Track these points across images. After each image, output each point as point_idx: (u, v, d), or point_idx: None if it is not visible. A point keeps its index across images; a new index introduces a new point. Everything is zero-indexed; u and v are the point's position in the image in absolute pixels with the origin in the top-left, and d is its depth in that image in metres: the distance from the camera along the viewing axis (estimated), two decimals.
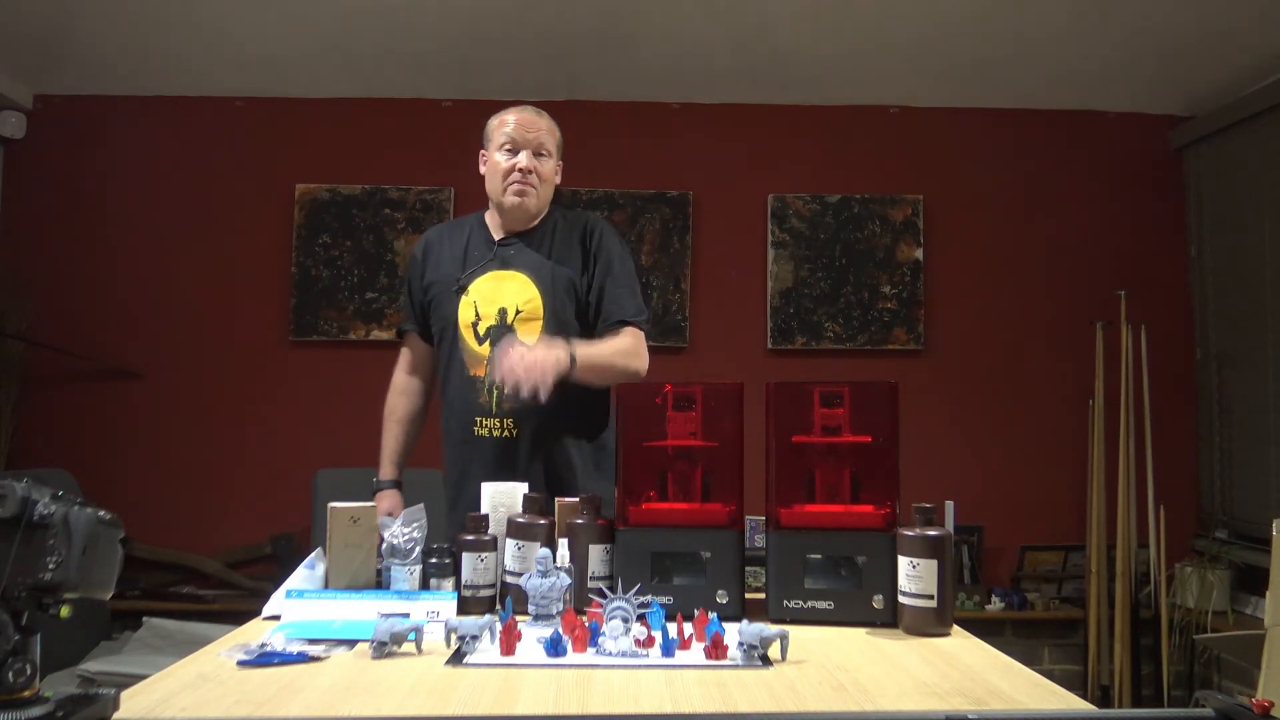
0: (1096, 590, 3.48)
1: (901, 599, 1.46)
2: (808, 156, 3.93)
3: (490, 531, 1.63)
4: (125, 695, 1.04)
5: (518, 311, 1.99)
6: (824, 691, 1.15)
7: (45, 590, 0.91)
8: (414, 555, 1.59)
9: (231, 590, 3.60)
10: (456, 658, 1.28)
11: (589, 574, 1.56)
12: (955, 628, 1.47)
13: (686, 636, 1.35)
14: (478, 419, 1.98)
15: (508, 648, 1.30)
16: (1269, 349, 3.47)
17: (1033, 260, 3.90)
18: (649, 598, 1.42)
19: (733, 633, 1.31)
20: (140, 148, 3.84)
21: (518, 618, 1.38)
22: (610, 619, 1.34)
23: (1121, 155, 3.93)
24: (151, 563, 3.60)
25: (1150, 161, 3.94)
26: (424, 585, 1.59)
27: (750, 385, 1.63)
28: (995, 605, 3.62)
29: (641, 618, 1.36)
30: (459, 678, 1.21)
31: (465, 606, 1.55)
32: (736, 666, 1.26)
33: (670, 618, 1.37)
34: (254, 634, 1.42)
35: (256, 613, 1.58)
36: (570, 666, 1.25)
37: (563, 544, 1.54)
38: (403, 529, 1.60)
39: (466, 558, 1.58)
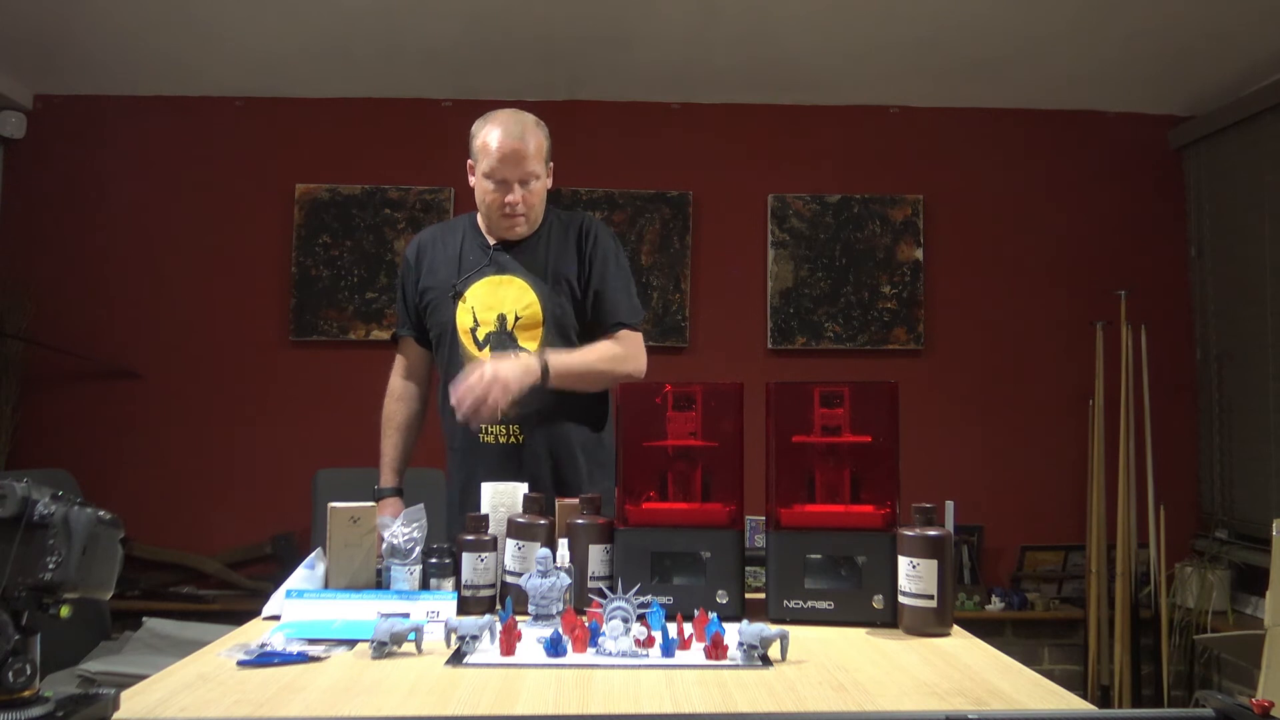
0: (1096, 590, 3.47)
1: (901, 599, 1.46)
2: (808, 156, 3.93)
3: (490, 531, 1.63)
4: (125, 695, 1.04)
5: (517, 318, 1.97)
6: (824, 691, 1.15)
7: (45, 590, 0.91)
8: (414, 555, 1.59)
9: (231, 590, 3.61)
10: (456, 658, 1.28)
11: (589, 574, 1.56)
12: (955, 628, 1.47)
13: (686, 636, 1.35)
14: (483, 425, 1.97)
15: (508, 648, 1.30)
16: (1269, 349, 3.47)
17: (1033, 260, 3.90)
18: (649, 598, 1.42)
19: (733, 633, 1.31)
20: (140, 148, 3.84)
21: (518, 618, 1.38)
22: (610, 619, 1.34)
23: (1121, 155, 3.93)
24: (151, 563, 3.60)
25: (1150, 161, 3.94)
26: (424, 585, 1.59)
27: (750, 385, 1.63)
28: (995, 605, 3.62)
29: (641, 618, 1.36)
30: (459, 678, 1.21)
31: (465, 606, 1.55)
32: (736, 666, 1.26)
33: (670, 618, 1.37)
34: (254, 634, 1.42)
35: (256, 613, 1.58)
36: (570, 666, 1.25)
37: (563, 544, 1.54)
38: (403, 529, 1.60)
39: (466, 558, 1.58)
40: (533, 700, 1.12)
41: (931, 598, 1.43)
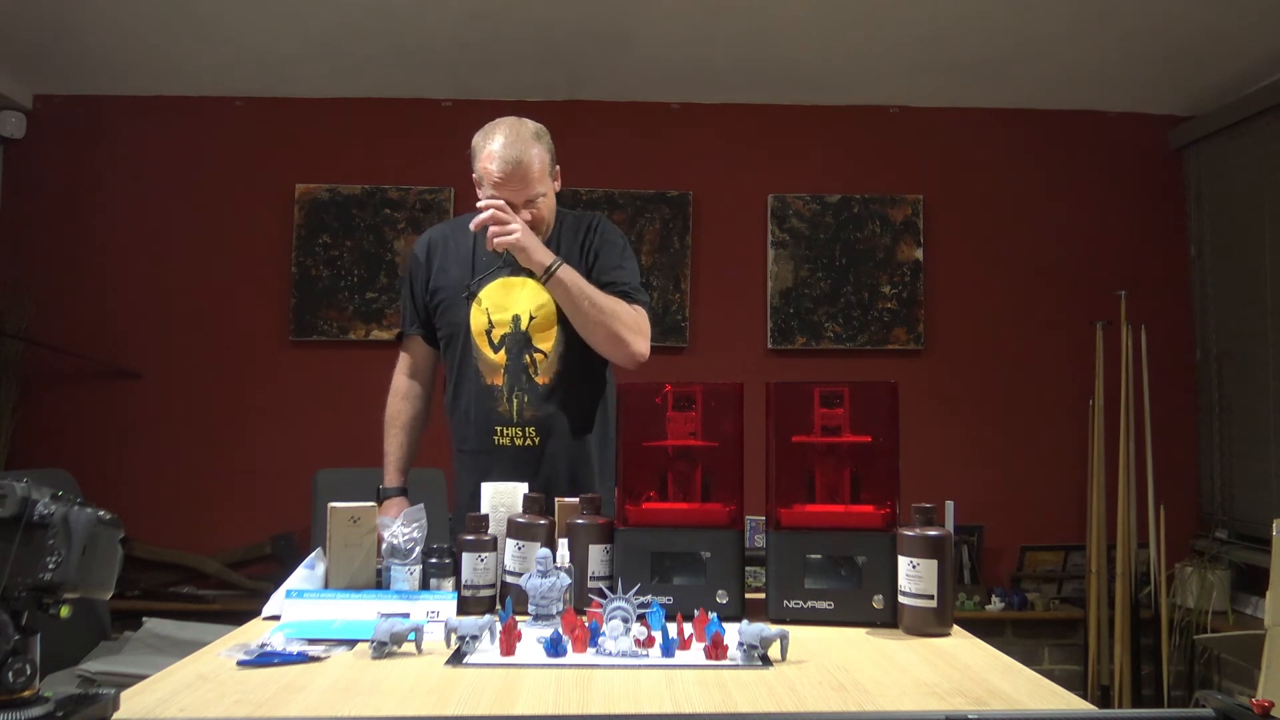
0: (1096, 590, 3.47)
1: (901, 599, 1.46)
2: (808, 156, 3.93)
3: (490, 531, 1.63)
4: (125, 695, 1.04)
5: (531, 318, 1.96)
6: (824, 691, 1.15)
7: (45, 590, 0.91)
8: (414, 555, 1.59)
9: (231, 590, 3.61)
10: (456, 658, 1.28)
11: (589, 574, 1.56)
12: (955, 628, 1.47)
13: (686, 636, 1.35)
14: (498, 428, 1.96)
15: (508, 648, 1.30)
16: (1269, 349, 3.47)
17: (1033, 260, 3.90)
18: (649, 598, 1.42)
19: (733, 633, 1.31)
20: (140, 148, 3.84)
21: (518, 618, 1.38)
22: (610, 619, 1.34)
23: (1121, 155, 3.93)
24: (151, 563, 3.60)
25: (1150, 161, 3.94)
26: (424, 585, 1.59)
27: (750, 385, 1.63)
28: (995, 605, 3.62)
29: (641, 618, 1.35)
30: (459, 678, 1.21)
31: (465, 606, 1.55)
32: (736, 666, 1.26)
33: (670, 618, 1.37)
34: (254, 634, 1.42)
35: (256, 613, 1.58)
36: (570, 666, 1.25)
37: (563, 544, 1.54)
38: (403, 529, 1.60)
39: (466, 558, 1.58)
40: (533, 700, 1.12)
41: (931, 598, 1.43)
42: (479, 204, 1.92)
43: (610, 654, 1.29)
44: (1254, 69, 3.45)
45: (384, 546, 1.61)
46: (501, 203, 1.86)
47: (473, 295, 1.99)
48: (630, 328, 1.95)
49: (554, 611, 1.45)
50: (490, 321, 1.97)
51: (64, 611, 0.92)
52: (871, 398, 1.63)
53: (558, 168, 2.02)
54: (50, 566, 0.91)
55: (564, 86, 3.79)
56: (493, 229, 1.86)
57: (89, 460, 3.49)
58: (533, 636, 1.35)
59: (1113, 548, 3.49)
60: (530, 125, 1.95)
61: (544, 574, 1.46)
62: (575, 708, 1.09)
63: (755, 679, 1.20)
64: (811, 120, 3.93)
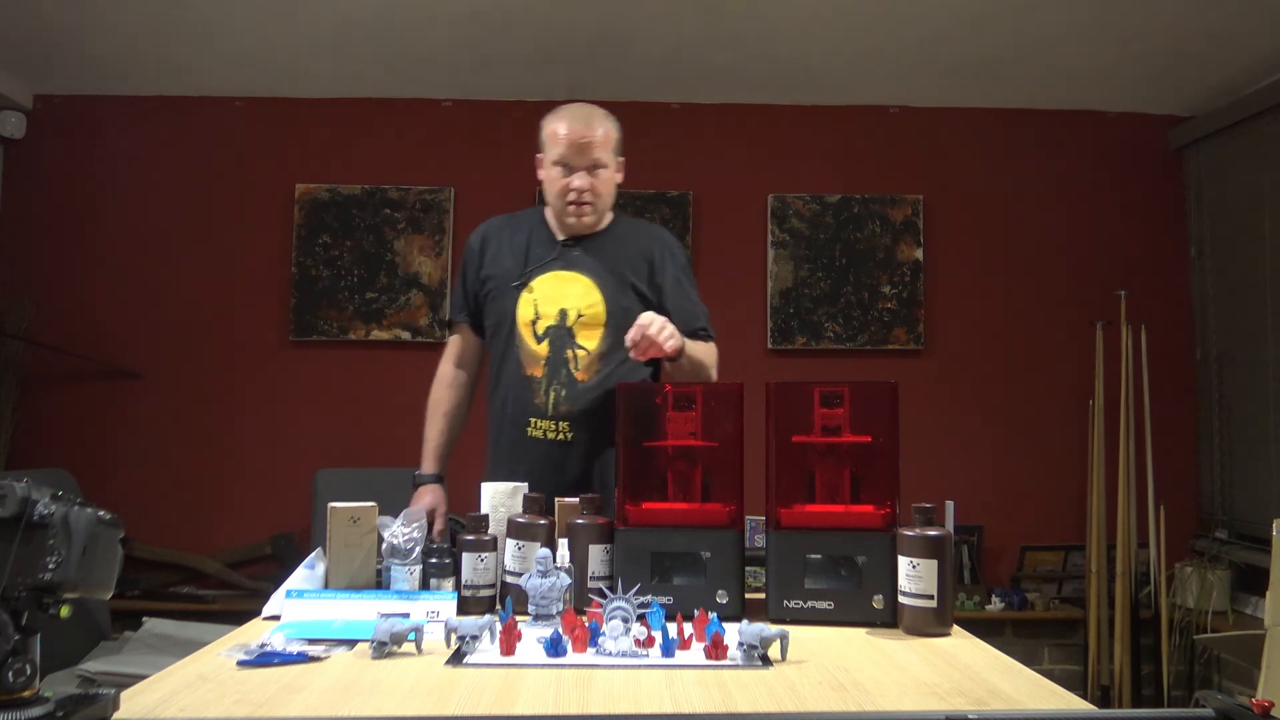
0: (1096, 590, 3.47)
1: (901, 599, 1.46)
2: (808, 156, 3.93)
3: (490, 531, 1.63)
4: (125, 695, 1.04)
5: (579, 315, 1.96)
6: (824, 691, 1.15)
7: (45, 590, 0.91)
8: (414, 555, 1.59)
9: (231, 590, 3.61)
10: (456, 658, 1.28)
11: (589, 574, 1.56)
12: (955, 628, 1.47)
13: (686, 636, 1.35)
14: (532, 420, 1.96)
15: (508, 648, 1.30)
16: (1269, 349, 3.47)
17: (1033, 261, 3.90)
18: (649, 598, 1.42)
19: (733, 633, 1.31)
20: (140, 148, 3.84)
21: (518, 618, 1.38)
22: (610, 619, 1.34)
23: (1121, 155, 3.93)
24: (151, 563, 3.60)
25: (1150, 161, 3.94)
26: (424, 585, 1.59)
27: (750, 385, 1.63)
28: (995, 605, 3.62)
29: (641, 618, 1.36)
30: (459, 678, 1.21)
31: (465, 606, 1.55)
32: (736, 666, 1.26)
33: (670, 618, 1.37)
34: (254, 634, 1.42)
35: (256, 613, 1.58)
36: (570, 666, 1.25)
37: (563, 544, 1.54)
38: (403, 529, 1.60)
39: (466, 558, 1.58)
40: (533, 700, 1.12)
41: (931, 598, 1.43)
42: (540, 174, 2.00)
43: (610, 654, 1.29)
44: (1254, 69, 3.45)
45: (384, 546, 1.61)
46: (657, 321, 1.83)
47: (524, 284, 1.99)
48: (713, 370, 2.03)
49: (554, 611, 1.45)
50: (537, 313, 1.98)
51: (64, 611, 0.92)
52: (871, 398, 1.63)
53: (622, 159, 2.04)
54: (50, 566, 0.91)
55: (564, 86, 3.78)
56: (646, 343, 1.82)
57: (89, 460, 3.49)
58: (533, 636, 1.36)
59: (1113, 548, 3.49)
60: (600, 109, 2.02)
61: (544, 574, 1.46)
62: (575, 708, 1.09)
63: (755, 679, 1.20)
64: (811, 120, 3.93)
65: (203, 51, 3.50)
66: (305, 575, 1.62)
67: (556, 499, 1.71)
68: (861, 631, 1.47)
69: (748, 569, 1.58)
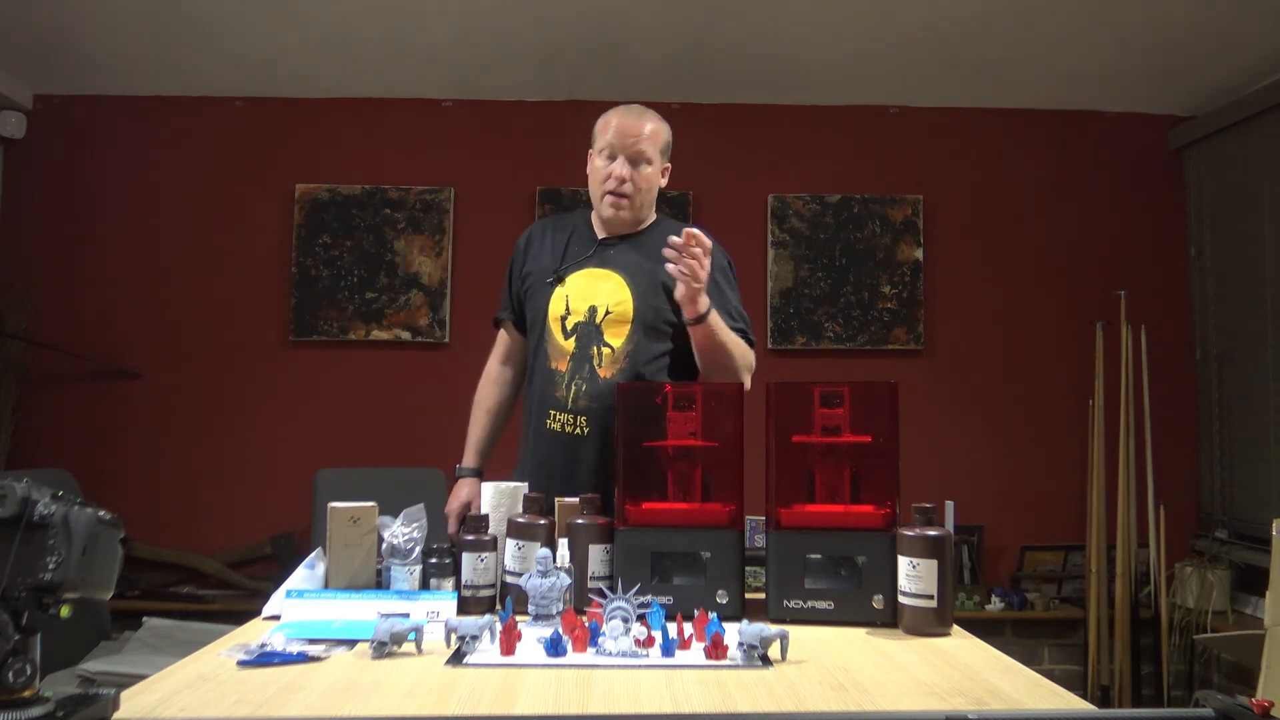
0: (1096, 590, 3.47)
1: (901, 599, 1.46)
2: (808, 156, 3.93)
3: (490, 531, 1.63)
4: (125, 695, 1.04)
5: (607, 312, 1.97)
6: (824, 691, 1.15)
7: (45, 590, 0.91)
8: (414, 555, 1.59)
9: (231, 590, 3.61)
10: (456, 658, 1.28)
11: (589, 574, 1.56)
12: (955, 628, 1.47)
13: (686, 636, 1.35)
14: (552, 412, 1.97)
15: (508, 648, 1.30)
16: (1269, 349, 3.47)
17: (1033, 260, 3.90)
18: (649, 598, 1.42)
19: (733, 633, 1.31)
20: (140, 148, 3.84)
21: (518, 618, 1.38)
22: (610, 619, 1.34)
23: (1121, 155, 3.93)
24: (151, 563, 3.60)
25: (1150, 161, 3.94)
26: (424, 585, 1.59)
27: (750, 385, 1.63)
28: (995, 605, 3.62)
29: (641, 618, 1.36)
30: (459, 678, 1.21)
31: (465, 606, 1.55)
32: (736, 666, 1.26)
33: (670, 618, 1.37)
34: (254, 634, 1.42)
35: (256, 613, 1.58)
36: (570, 666, 1.25)
37: (563, 544, 1.54)
38: (403, 529, 1.60)
39: (466, 558, 1.58)
40: (533, 700, 1.12)
41: (931, 598, 1.43)
42: (589, 170, 2.03)
43: (610, 654, 1.29)
44: (1254, 69, 3.45)
45: (384, 546, 1.61)
46: (702, 244, 1.81)
47: (559, 279, 2.01)
48: (747, 370, 2.00)
49: (554, 611, 1.45)
50: (568, 308, 2.00)
51: (64, 611, 0.92)
52: (871, 398, 1.63)
53: (669, 165, 2.08)
54: (50, 566, 0.91)
55: (564, 86, 3.79)
56: (681, 267, 1.79)
57: (89, 460, 3.49)
58: (533, 636, 1.35)
59: (1113, 548, 3.49)
60: (655, 112, 2.06)
61: (544, 574, 1.46)
62: (575, 708, 1.09)
63: (755, 679, 1.20)
64: (811, 120, 3.93)
65: (203, 51, 3.50)
66: (305, 575, 1.62)
67: (556, 499, 1.71)
68: (861, 631, 1.47)
69: (748, 569, 1.58)
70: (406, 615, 1.44)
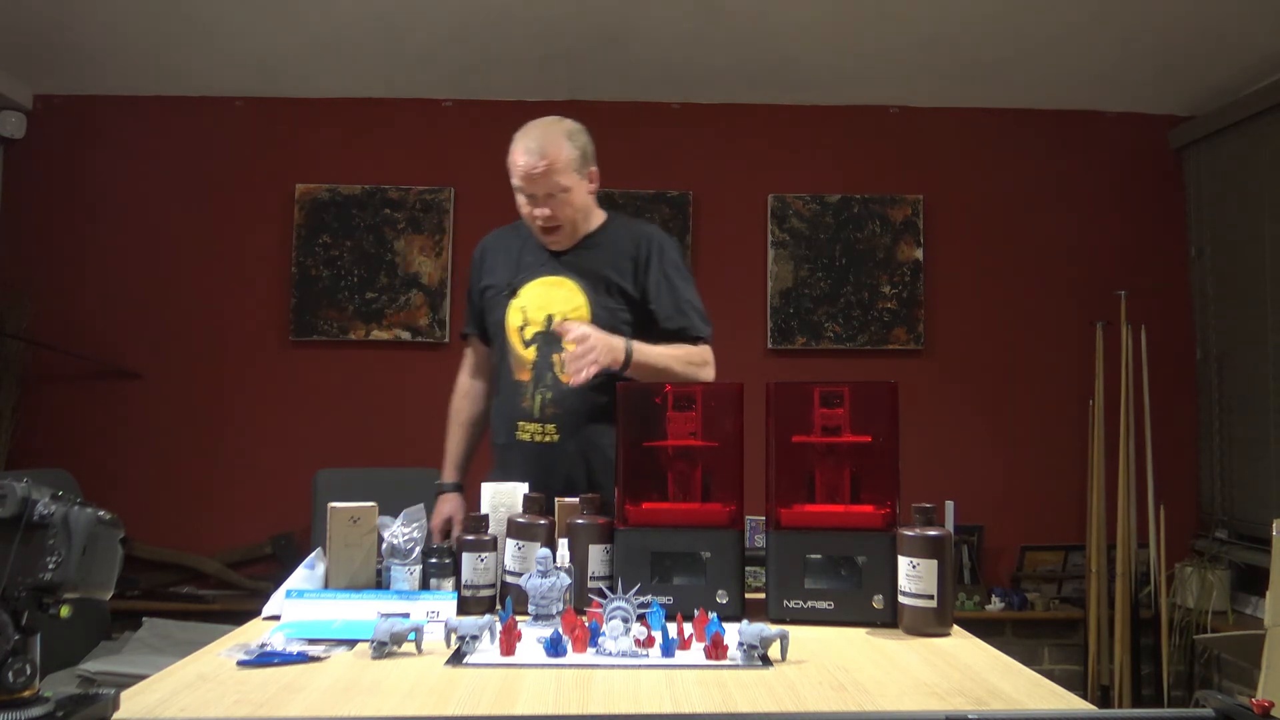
0: (1096, 590, 3.47)
1: (901, 599, 1.46)
2: (808, 156, 3.93)
3: (490, 531, 1.63)
4: (125, 695, 1.04)
5: (564, 319, 1.98)
6: (824, 691, 1.15)
7: (45, 590, 0.91)
8: (414, 555, 1.59)
9: (231, 590, 3.60)
10: (456, 658, 1.28)
11: (589, 574, 1.56)
12: (955, 628, 1.47)
13: (686, 636, 1.35)
14: (520, 423, 1.99)
15: (508, 648, 1.30)
16: (1269, 349, 3.47)
17: (1033, 260, 3.90)
18: (649, 598, 1.42)
19: (733, 633, 1.31)
20: (140, 148, 3.84)
21: (518, 618, 1.38)
22: (610, 619, 1.34)
23: (1121, 155, 3.93)
24: (151, 563, 3.60)
25: (1150, 161, 3.94)
26: (424, 585, 1.59)
27: (750, 385, 1.63)
28: (995, 605, 3.62)
29: (641, 618, 1.36)
30: (459, 678, 1.21)
31: (465, 606, 1.55)
32: (736, 666, 1.26)
33: (670, 618, 1.37)
34: (254, 634, 1.42)
35: (256, 613, 1.59)
36: (570, 666, 1.25)
37: (563, 544, 1.54)
38: (403, 529, 1.60)
39: (466, 558, 1.58)
40: (533, 700, 1.12)
41: (931, 598, 1.43)
42: (518, 203, 2.01)
43: (610, 654, 1.29)
44: (1254, 69, 3.45)
45: (384, 546, 1.61)
46: (584, 332, 1.85)
47: (513, 292, 2.03)
48: (698, 368, 2.01)
49: (554, 611, 1.45)
50: (525, 319, 2.02)
51: (64, 611, 0.92)
52: (871, 398, 1.63)
53: (593, 169, 2.06)
54: (50, 566, 0.91)
55: (564, 86, 3.78)
56: (575, 363, 1.84)
57: (89, 460, 3.48)
58: (533, 636, 1.35)
59: (1113, 548, 3.49)
60: (566, 124, 2.02)
61: (544, 574, 1.46)
62: (575, 708, 1.09)
63: (755, 679, 1.20)
64: (811, 120, 3.93)
65: (203, 51, 3.50)
66: (305, 575, 1.62)
67: (557, 499, 1.71)
68: (861, 631, 1.47)
69: (748, 569, 1.58)
70: (406, 615, 1.44)
